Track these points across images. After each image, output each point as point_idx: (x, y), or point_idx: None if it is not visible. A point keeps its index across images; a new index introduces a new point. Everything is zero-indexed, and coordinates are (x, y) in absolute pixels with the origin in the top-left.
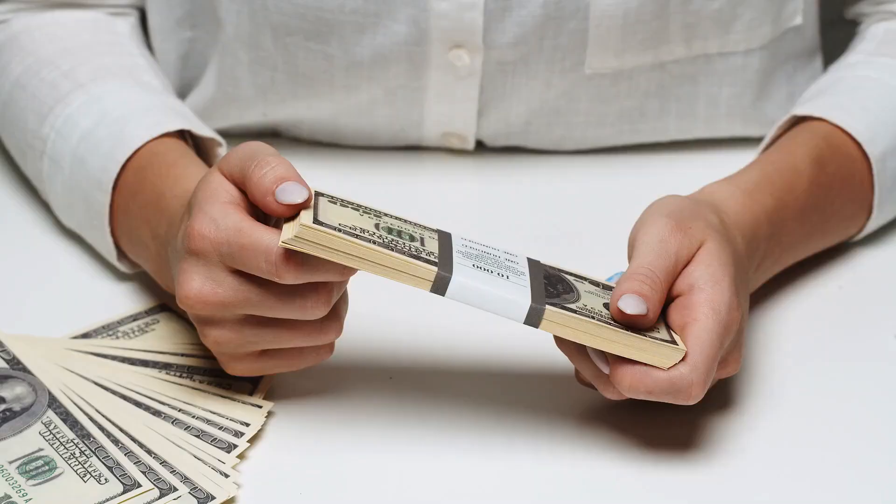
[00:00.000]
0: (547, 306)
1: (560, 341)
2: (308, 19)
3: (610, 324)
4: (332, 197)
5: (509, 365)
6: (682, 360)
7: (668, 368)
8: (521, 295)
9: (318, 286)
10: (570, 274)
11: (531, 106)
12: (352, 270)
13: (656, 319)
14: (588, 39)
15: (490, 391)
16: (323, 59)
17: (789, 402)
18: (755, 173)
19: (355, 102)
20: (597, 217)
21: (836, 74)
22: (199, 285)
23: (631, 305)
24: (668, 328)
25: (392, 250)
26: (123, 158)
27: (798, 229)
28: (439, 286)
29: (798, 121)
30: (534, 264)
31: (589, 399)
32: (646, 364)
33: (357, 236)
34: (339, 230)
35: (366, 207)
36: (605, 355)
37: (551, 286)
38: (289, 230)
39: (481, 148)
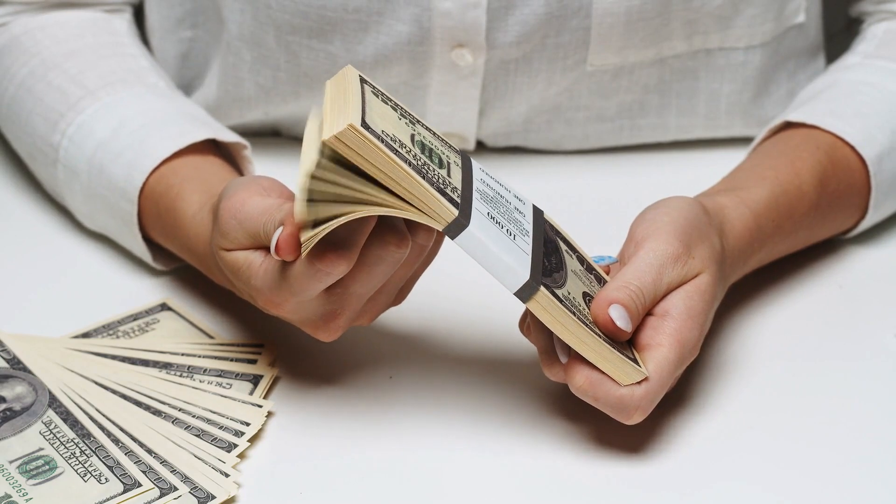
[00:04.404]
0: (541, 288)
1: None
2: (311, 18)
3: (587, 324)
4: (374, 87)
5: (509, 365)
6: (640, 383)
7: (624, 386)
8: (521, 264)
9: (382, 238)
10: (565, 241)
11: (532, 103)
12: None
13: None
14: (590, 37)
15: (490, 391)
16: (325, 58)
17: (789, 399)
18: (765, 193)
19: None
20: (597, 217)
21: (832, 77)
22: (322, 326)
23: (621, 319)
24: (630, 344)
25: (423, 177)
26: (148, 169)
27: (786, 247)
28: (452, 230)
29: (790, 123)
30: (538, 219)
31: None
32: (603, 373)
33: (396, 152)
34: (382, 140)
35: (402, 109)
36: (568, 347)
37: (547, 258)
38: (331, 122)
39: (481, 148)
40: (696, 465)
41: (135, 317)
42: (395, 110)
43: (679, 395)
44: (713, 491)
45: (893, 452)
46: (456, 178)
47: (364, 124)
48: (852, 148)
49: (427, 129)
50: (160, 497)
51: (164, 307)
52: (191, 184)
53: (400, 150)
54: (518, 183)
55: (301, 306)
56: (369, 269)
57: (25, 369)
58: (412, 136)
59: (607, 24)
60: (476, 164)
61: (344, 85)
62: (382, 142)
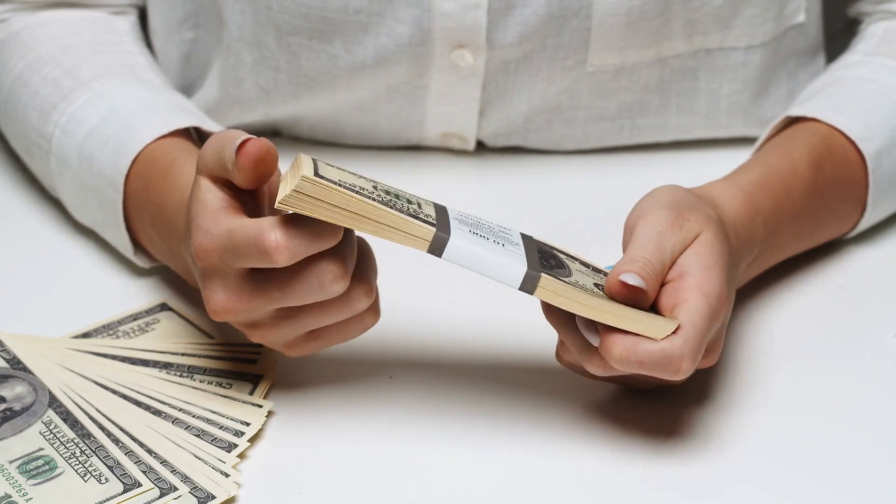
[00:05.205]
0: (542, 274)
1: (549, 312)
2: (311, 19)
3: (604, 298)
4: (330, 163)
5: (509, 364)
6: (674, 332)
7: (661, 340)
8: (517, 261)
9: (327, 264)
10: (562, 252)
11: (532, 103)
12: (341, 229)
13: (649, 304)
14: (591, 37)
15: (490, 390)
16: (326, 59)
17: (789, 399)
18: (755, 174)
19: (357, 100)
20: (597, 217)
21: (833, 74)
22: (222, 297)
23: (635, 280)
24: (658, 314)
25: (392, 208)
26: (133, 154)
27: (791, 231)
28: (436, 247)
29: (793, 121)
30: (527, 238)
31: (590, 397)
32: (637, 335)
33: (358, 192)
34: (340, 185)
35: (362, 175)
36: (595, 327)
37: (544, 260)
38: (286, 188)
39: (481, 148)
40: (695, 464)
41: (135, 317)
42: (354, 174)
43: (678, 395)
44: (711, 490)
45: (893, 452)
46: (429, 211)
47: (318, 175)
48: (851, 142)
49: (393, 187)
50: (160, 497)
51: (163, 307)
52: (189, 155)
53: (361, 191)
54: (518, 183)
55: (217, 269)
56: (297, 282)
57: (25, 369)
58: (375, 186)
59: (608, 24)
60: (452, 208)
61: (297, 164)
62: (341, 185)
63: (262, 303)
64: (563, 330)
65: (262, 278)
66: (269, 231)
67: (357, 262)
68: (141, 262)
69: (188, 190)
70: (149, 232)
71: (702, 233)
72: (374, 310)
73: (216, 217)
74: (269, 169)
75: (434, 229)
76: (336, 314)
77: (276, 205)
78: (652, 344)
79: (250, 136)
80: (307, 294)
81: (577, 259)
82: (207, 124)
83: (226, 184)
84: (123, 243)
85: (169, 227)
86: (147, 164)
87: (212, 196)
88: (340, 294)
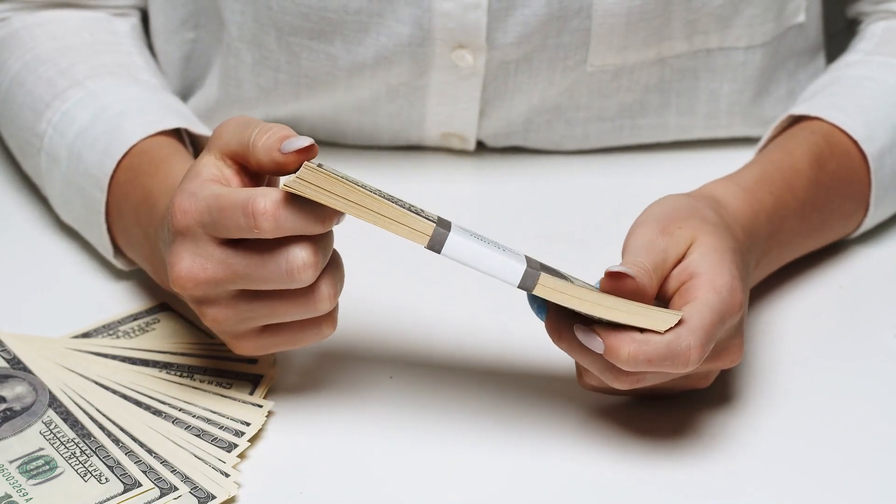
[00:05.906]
0: (542, 272)
1: (560, 339)
2: (311, 19)
3: (605, 294)
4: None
5: (510, 364)
6: (679, 323)
7: (665, 332)
8: (516, 259)
9: (300, 250)
10: (566, 273)
11: (532, 104)
12: (331, 219)
13: (646, 298)
14: (591, 38)
15: (491, 391)
16: (326, 59)
17: (790, 399)
18: (755, 171)
19: (357, 100)
20: (597, 217)
21: (834, 74)
22: (188, 264)
23: (617, 267)
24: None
25: (393, 202)
26: (119, 155)
27: (797, 228)
28: (436, 241)
29: (795, 120)
30: (528, 257)
31: (590, 397)
32: (642, 332)
33: (361, 186)
34: (344, 177)
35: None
36: (595, 333)
37: (545, 268)
38: (291, 176)
39: (481, 148)
40: (697, 465)
41: (135, 317)
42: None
43: (679, 396)
44: (711, 491)
45: (893, 452)
46: (431, 214)
47: (319, 166)
48: (854, 141)
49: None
50: (160, 497)
51: (164, 307)
52: (182, 154)
53: (364, 187)
54: (518, 183)
55: (191, 232)
56: (266, 262)
57: (25, 369)
58: (379, 190)
59: (608, 24)
60: (455, 223)
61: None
62: (343, 177)
63: (227, 277)
64: (577, 353)
65: (232, 252)
66: (260, 196)
67: (327, 266)
68: (120, 264)
69: (177, 181)
70: (126, 224)
71: (697, 238)
72: (332, 319)
73: (205, 184)
74: (299, 165)
75: (434, 224)
76: (296, 309)
77: (282, 187)
78: (657, 338)
79: (307, 138)
80: (273, 276)
81: (579, 279)
82: (196, 126)
83: (234, 164)
84: (104, 244)
85: (151, 211)
86: (138, 157)
87: (209, 169)
88: (305, 287)
